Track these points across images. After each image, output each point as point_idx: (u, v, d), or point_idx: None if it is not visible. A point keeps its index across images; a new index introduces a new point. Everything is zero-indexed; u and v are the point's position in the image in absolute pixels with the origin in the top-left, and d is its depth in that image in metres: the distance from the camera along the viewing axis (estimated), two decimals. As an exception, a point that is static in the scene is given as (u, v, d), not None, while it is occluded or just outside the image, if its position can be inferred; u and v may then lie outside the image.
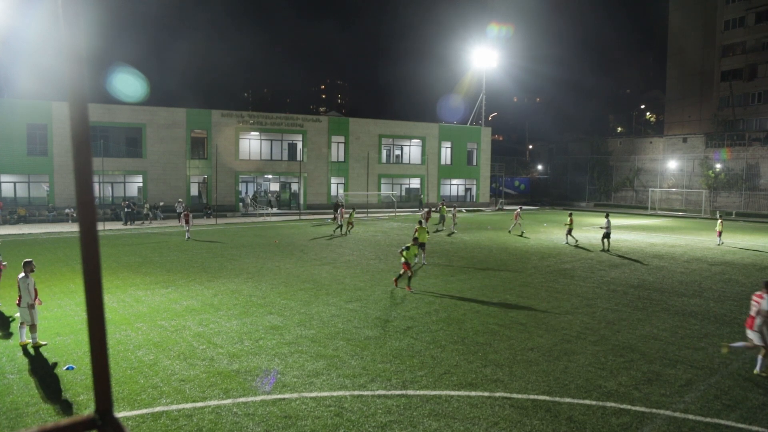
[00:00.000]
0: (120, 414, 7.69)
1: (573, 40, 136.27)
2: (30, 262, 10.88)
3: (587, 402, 8.29)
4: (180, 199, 42.61)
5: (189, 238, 27.65)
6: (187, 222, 27.88)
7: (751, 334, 9.63)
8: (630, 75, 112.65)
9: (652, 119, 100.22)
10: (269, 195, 50.98)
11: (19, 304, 10.58)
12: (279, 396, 8.37)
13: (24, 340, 10.64)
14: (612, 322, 12.89)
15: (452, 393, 8.56)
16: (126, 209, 36.80)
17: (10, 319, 12.47)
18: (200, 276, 18.06)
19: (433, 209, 43.62)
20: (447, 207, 37.86)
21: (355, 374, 9.30)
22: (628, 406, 8.14)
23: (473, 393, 8.57)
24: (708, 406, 8.17)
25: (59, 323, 12.19)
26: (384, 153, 55.38)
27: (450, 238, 29.51)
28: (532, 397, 8.46)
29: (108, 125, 42.12)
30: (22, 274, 10.69)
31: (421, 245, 20.46)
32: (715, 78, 66.91)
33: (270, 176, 51.47)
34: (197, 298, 14.91)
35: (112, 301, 14.35)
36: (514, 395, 8.51)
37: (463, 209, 53.26)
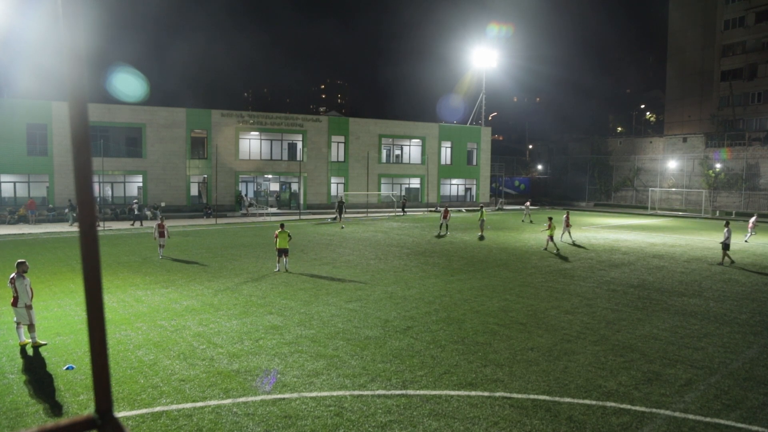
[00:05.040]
0: (120, 414, 7.69)
1: (573, 40, 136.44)
2: (23, 263, 10.80)
3: (587, 402, 8.29)
4: (135, 200, 39.63)
5: (162, 256, 21.78)
6: (162, 234, 21.70)
7: None
8: (630, 75, 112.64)
9: (652, 119, 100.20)
10: (253, 197, 50.20)
11: (14, 305, 10.54)
12: (279, 396, 8.37)
13: (23, 340, 10.62)
14: (612, 322, 12.89)
15: (452, 393, 8.57)
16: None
17: None
18: (200, 276, 18.05)
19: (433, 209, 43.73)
20: (487, 208, 36.38)
21: (355, 374, 9.30)
22: (628, 406, 8.15)
23: (473, 393, 8.57)
24: (708, 406, 8.18)
25: (59, 323, 12.18)
26: (384, 153, 55.37)
27: (449, 239, 29.51)
28: (532, 396, 8.46)
29: (108, 125, 42.12)
30: (15, 274, 10.64)
31: (283, 251, 18.85)
32: (715, 78, 66.89)
33: (270, 176, 51.47)
34: (197, 298, 14.90)
35: (112, 301, 14.35)
36: (514, 395, 8.51)
37: (462, 209, 53.27)
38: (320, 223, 38.51)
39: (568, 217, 28.99)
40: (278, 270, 18.89)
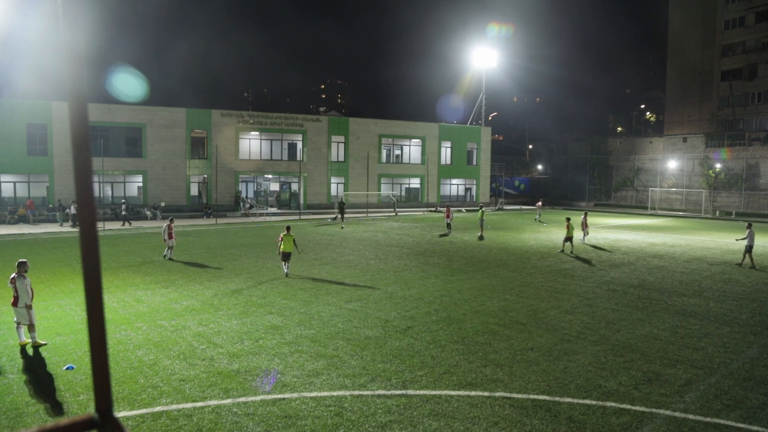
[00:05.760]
0: (120, 414, 7.70)
1: (573, 40, 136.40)
2: (24, 263, 10.80)
3: (587, 402, 8.29)
4: (123, 201, 39.07)
5: (168, 257, 21.38)
6: (170, 236, 21.24)
7: None
8: (630, 75, 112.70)
9: (652, 119, 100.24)
10: (253, 197, 49.93)
11: (15, 305, 10.54)
12: (279, 396, 8.37)
13: (23, 340, 10.62)
14: (612, 322, 12.89)
15: (452, 393, 8.57)
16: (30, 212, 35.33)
17: None
18: (200, 276, 18.05)
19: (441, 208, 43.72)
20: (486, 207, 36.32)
21: (355, 374, 9.30)
22: (628, 406, 8.15)
23: (473, 393, 8.57)
24: (708, 406, 8.18)
25: (59, 323, 12.18)
26: (384, 153, 55.37)
27: (450, 239, 29.51)
28: (532, 396, 8.46)
29: (108, 125, 42.12)
30: (15, 274, 10.64)
31: (287, 255, 17.97)
32: (715, 78, 66.91)
33: (270, 176, 51.47)
34: (197, 298, 14.90)
35: (112, 301, 14.35)
36: (514, 395, 8.51)
37: (463, 209, 53.26)
38: (321, 224, 38.50)
39: (586, 218, 28.15)
40: (287, 274, 17.97)
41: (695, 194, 56.19)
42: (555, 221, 41.33)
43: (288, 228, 18.70)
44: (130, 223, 35.90)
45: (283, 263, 18.17)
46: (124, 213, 36.55)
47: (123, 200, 39.59)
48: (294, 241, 18.22)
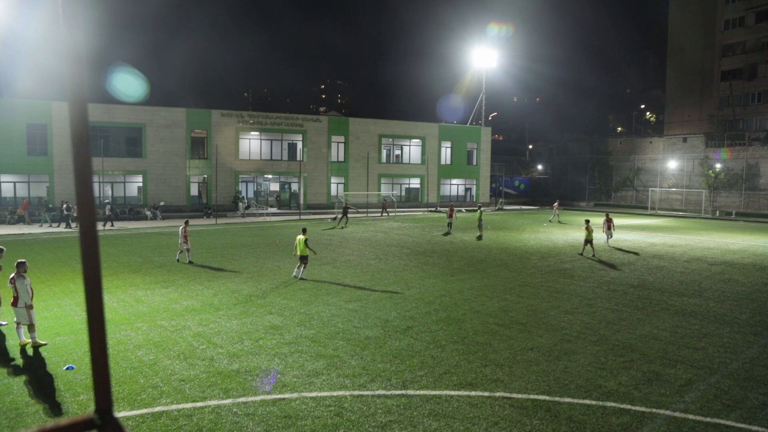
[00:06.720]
0: (120, 414, 7.69)
1: (573, 40, 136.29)
2: (24, 263, 10.82)
3: (587, 402, 8.29)
4: (108, 201, 38.47)
5: (188, 260, 20.82)
6: (186, 239, 20.75)
7: None
8: (630, 75, 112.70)
9: (652, 119, 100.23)
10: (252, 197, 49.50)
11: (14, 305, 10.55)
12: (279, 396, 8.37)
13: (23, 340, 10.63)
14: (612, 322, 12.89)
15: (452, 393, 8.57)
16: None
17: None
18: (200, 276, 18.05)
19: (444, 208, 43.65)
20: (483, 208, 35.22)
21: (355, 374, 9.30)
22: (628, 406, 8.15)
23: (473, 393, 8.57)
24: (708, 406, 8.18)
25: (59, 323, 12.18)
26: (384, 153, 55.37)
27: (450, 239, 29.51)
28: (532, 396, 8.46)
29: (108, 125, 42.13)
30: (15, 274, 10.65)
31: (302, 258, 17.59)
32: (715, 78, 66.88)
33: (270, 176, 51.48)
34: (197, 298, 14.90)
35: (112, 301, 14.35)
36: (514, 395, 8.51)
37: (462, 209, 53.25)
38: (324, 229, 38.48)
39: (608, 220, 26.90)
40: (295, 275, 17.73)
41: (695, 194, 56.18)
42: (563, 222, 41.30)
43: (303, 230, 18.16)
44: (112, 224, 35.15)
45: (298, 266, 17.86)
46: (108, 213, 35.84)
47: (107, 200, 39.03)
48: (306, 242, 17.56)
